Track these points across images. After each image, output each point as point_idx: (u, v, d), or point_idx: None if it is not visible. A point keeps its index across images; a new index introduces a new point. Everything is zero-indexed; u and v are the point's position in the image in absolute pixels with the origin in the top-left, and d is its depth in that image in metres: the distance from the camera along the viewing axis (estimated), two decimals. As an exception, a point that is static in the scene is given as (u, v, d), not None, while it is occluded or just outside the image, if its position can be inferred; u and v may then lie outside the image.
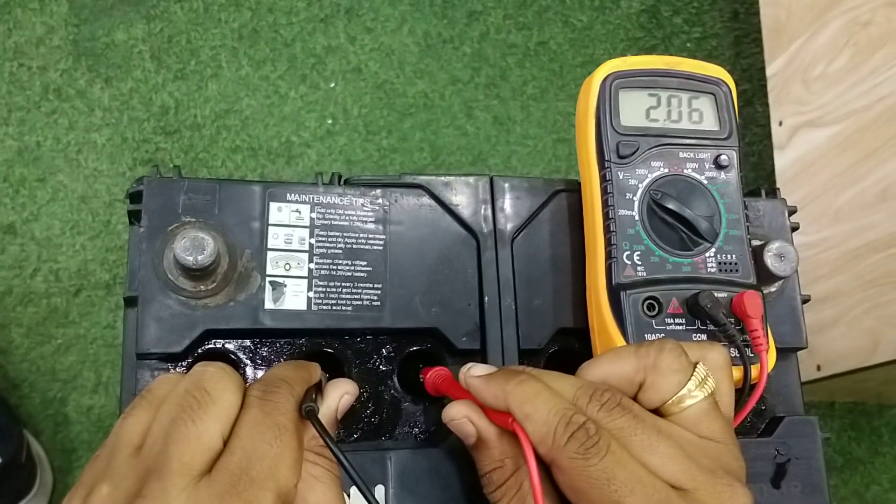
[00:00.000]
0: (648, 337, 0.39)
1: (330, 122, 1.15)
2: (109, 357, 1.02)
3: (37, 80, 1.10)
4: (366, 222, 0.42)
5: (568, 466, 0.29)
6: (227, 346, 0.40)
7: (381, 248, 0.41)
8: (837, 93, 0.97)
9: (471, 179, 0.44)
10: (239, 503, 0.27)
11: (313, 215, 0.41)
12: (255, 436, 0.29)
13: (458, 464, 0.38)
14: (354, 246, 0.41)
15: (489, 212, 0.43)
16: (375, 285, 0.41)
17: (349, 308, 0.40)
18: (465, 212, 0.43)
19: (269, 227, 0.40)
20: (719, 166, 0.42)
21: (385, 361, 0.42)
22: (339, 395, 0.35)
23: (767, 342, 0.39)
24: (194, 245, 0.37)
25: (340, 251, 0.41)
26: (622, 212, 0.40)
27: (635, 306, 0.39)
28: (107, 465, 0.29)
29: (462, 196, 0.43)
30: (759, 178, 1.21)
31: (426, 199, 0.43)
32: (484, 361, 0.41)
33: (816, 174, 1.00)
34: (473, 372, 0.34)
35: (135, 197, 0.40)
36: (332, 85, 1.17)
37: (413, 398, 0.41)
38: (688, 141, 0.42)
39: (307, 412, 0.31)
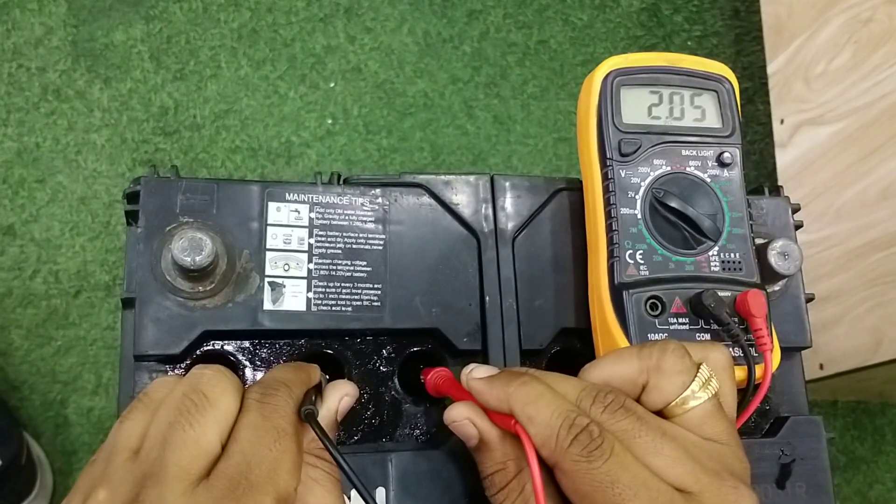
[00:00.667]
0: (651, 337, 0.38)
1: (330, 121, 1.14)
2: (109, 359, 1.02)
3: (36, 81, 1.10)
4: (365, 222, 0.41)
5: (571, 469, 0.28)
6: (225, 347, 0.40)
7: (380, 248, 0.41)
8: (839, 90, 0.97)
9: (471, 178, 0.43)
10: None
11: (312, 215, 0.41)
12: (253, 439, 0.29)
13: (460, 466, 0.37)
14: (354, 246, 0.41)
15: (490, 211, 0.43)
16: (375, 285, 0.40)
17: (349, 309, 0.40)
18: (466, 211, 0.43)
19: (268, 228, 0.40)
20: (722, 164, 0.41)
21: (385, 362, 0.41)
22: (339, 397, 0.35)
23: (772, 341, 0.39)
24: (192, 245, 0.36)
25: (340, 251, 0.40)
26: (624, 210, 0.40)
27: (638, 306, 0.39)
28: (104, 469, 0.29)
29: (462, 195, 0.43)
30: (760, 176, 1.20)
31: (426, 199, 0.42)
32: (485, 362, 0.41)
33: (818, 172, 1.00)
34: (475, 374, 0.34)
35: (132, 197, 0.39)
36: (332, 85, 1.16)
37: (414, 399, 0.41)
38: (690, 138, 0.41)
39: (306, 415, 0.31)
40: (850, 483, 1.13)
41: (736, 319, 0.39)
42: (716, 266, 0.40)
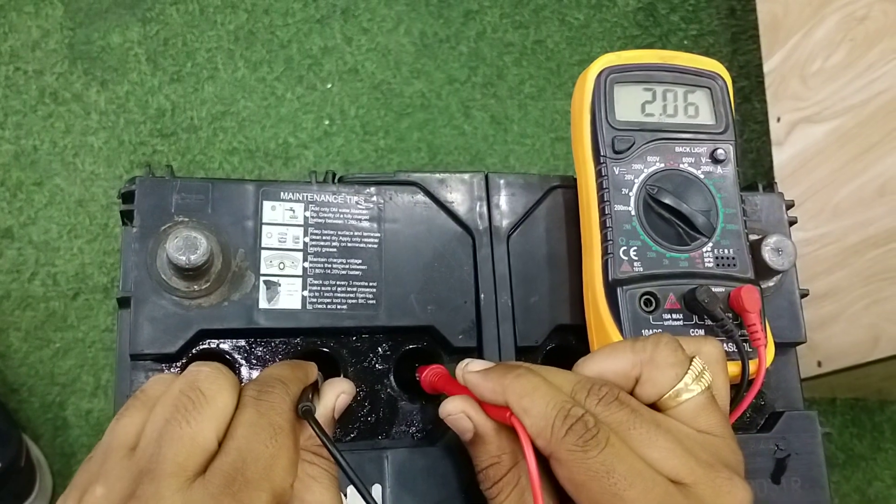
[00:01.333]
0: (645, 332, 0.39)
1: (327, 122, 1.15)
2: (108, 360, 1.02)
3: (33, 84, 1.10)
4: (360, 220, 0.41)
5: (567, 459, 0.29)
6: (221, 346, 0.40)
7: (375, 246, 0.41)
8: (835, 88, 0.97)
9: (466, 176, 0.43)
10: None
11: (307, 214, 0.41)
12: (250, 436, 0.29)
13: (456, 461, 0.37)
14: (349, 244, 0.41)
15: (484, 209, 0.43)
16: (370, 284, 0.40)
17: (344, 307, 0.40)
18: (461, 209, 0.43)
19: (263, 226, 0.40)
20: (716, 160, 0.41)
21: (381, 360, 0.41)
22: (336, 394, 0.35)
23: (766, 337, 0.39)
24: (187, 245, 0.36)
25: (335, 249, 0.40)
26: (618, 207, 0.40)
27: (632, 302, 0.39)
28: (101, 466, 0.29)
29: (457, 193, 0.43)
30: (757, 174, 1.20)
31: (421, 197, 0.43)
32: (480, 359, 0.41)
33: (815, 170, 1.00)
34: (471, 367, 0.34)
35: (127, 197, 0.40)
36: (329, 86, 1.16)
37: (409, 397, 0.41)
38: (684, 135, 0.42)
39: (304, 412, 0.31)
40: (849, 480, 1.13)
41: (730, 315, 0.39)
42: (710, 262, 0.40)
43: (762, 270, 0.42)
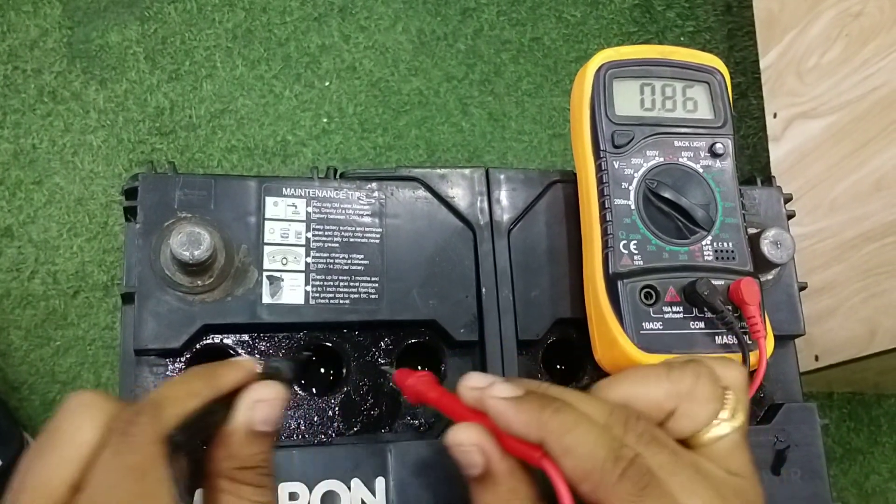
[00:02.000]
0: (646, 326, 0.39)
1: (325, 120, 1.15)
2: (108, 358, 1.02)
3: (31, 83, 1.10)
4: (362, 216, 0.42)
5: None
6: (225, 341, 0.40)
7: (377, 241, 0.41)
8: (831, 84, 0.97)
9: (466, 171, 0.44)
10: None
11: (309, 209, 0.41)
12: (105, 483, 0.25)
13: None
14: (351, 239, 0.41)
15: (485, 203, 0.43)
16: (372, 278, 0.41)
17: (347, 301, 0.40)
18: (462, 204, 0.43)
19: (266, 222, 0.40)
20: (714, 154, 0.42)
21: (383, 354, 0.42)
22: (249, 405, 0.29)
23: (765, 329, 0.39)
24: (190, 240, 0.37)
25: (337, 245, 0.41)
26: (618, 201, 0.41)
27: (633, 295, 0.39)
28: None
29: (458, 188, 0.43)
30: (754, 170, 1.21)
31: (422, 192, 0.43)
32: (482, 353, 0.41)
33: (811, 165, 1.00)
34: (496, 391, 0.29)
35: (130, 193, 0.40)
36: (327, 83, 1.17)
37: (412, 390, 0.41)
38: (682, 130, 0.42)
39: (175, 445, 0.26)
40: (846, 474, 1.13)
41: (730, 307, 0.39)
42: (709, 255, 0.41)
43: (761, 263, 0.42)
